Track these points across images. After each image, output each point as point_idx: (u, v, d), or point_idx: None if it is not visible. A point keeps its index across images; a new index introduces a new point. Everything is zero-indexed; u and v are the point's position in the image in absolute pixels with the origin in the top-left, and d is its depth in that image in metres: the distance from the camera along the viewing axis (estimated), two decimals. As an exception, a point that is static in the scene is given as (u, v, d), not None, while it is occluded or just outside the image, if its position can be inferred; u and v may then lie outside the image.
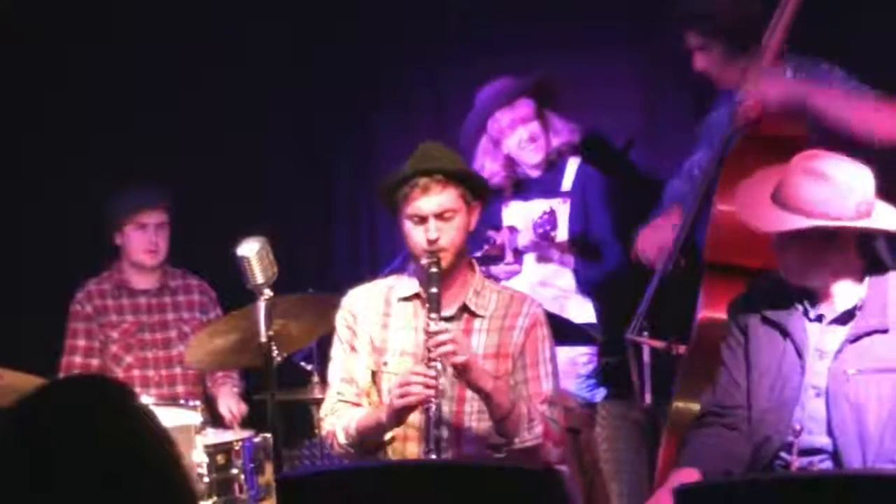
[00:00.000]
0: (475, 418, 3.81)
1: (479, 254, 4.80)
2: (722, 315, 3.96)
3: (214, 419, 5.03)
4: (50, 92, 5.62)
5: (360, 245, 5.89)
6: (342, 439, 3.86)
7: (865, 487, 2.72)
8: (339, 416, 3.89)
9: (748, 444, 3.63)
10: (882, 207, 3.60)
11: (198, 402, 4.74)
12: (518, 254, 4.93)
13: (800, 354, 3.60)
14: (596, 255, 4.97)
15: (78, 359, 5.25)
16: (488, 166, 4.99)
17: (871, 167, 3.59)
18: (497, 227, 5.00)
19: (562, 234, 4.94)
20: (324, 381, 4.19)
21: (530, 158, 4.97)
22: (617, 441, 4.96)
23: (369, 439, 3.82)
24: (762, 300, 3.72)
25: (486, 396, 3.73)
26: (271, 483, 4.41)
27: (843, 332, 3.59)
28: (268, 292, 3.84)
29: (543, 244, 4.87)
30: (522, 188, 5.07)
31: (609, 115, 5.35)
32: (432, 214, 3.76)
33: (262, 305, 3.84)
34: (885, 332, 3.55)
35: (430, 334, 3.69)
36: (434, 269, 3.75)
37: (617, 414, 4.97)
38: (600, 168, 5.09)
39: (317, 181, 5.94)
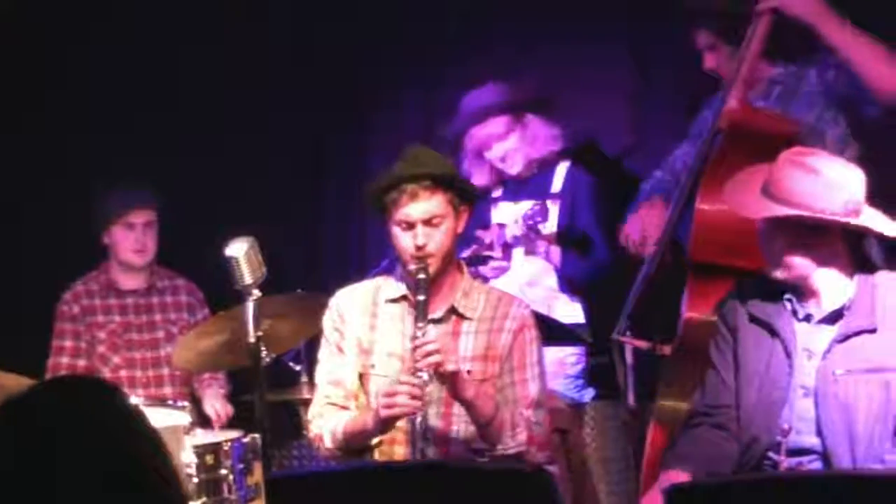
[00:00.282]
0: (463, 422, 3.81)
1: (467, 253, 4.80)
2: (706, 315, 3.97)
3: (201, 420, 5.02)
4: (50, 92, 5.61)
5: (348, 245, 5.89)
6: (329, 443, 3.86)
7: (854, 487, 2.72)
8: (327, 419, 3.89)
9: (737, 443, 3.64)
10: (872, 212, 3.61)
11: (186, 403, 4.73)
12: (507, 248, 4.93)
13: (788, 354, 3.61)
14: (582, 255, 4.97)
15: (65, 360, 5.23)
16: (476, 173, 5.01)
17: (867, 170, 3.61)
18: (486, 226, 5.00)
19: (550, 231, 4.94)
20: (312, 382, 4.18)
21: (509, 170, 5.00)
22: (605, 441, 4.97)
23: (356, 444, 3.83)
24: (750, 300, 3.72)
25: (468, 405, 3.73)
26: (260, 483, 4.39)
27: (831, 331, 3.59)
28: (256, 293, 3.83)
29: (531, 235, 4.87)
30: (512, 189, 5.07)
31: (601, 117, 5.35)
32: (420, 220, 3.75)
33: (250, 306, 3.83)
34: (873, 331, 3.56)
35: (416, 345, 3.68)
36: (422, 276, 3.75)
37: (605, 414, 4.98)
38: (590, 171, 5.09)
39: (305, 181, 5.93)
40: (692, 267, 4.23)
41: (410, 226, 3.76)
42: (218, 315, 4.57)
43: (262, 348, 3.90)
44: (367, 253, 5.61)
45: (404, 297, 3.89)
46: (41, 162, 5.59)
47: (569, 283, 4.96)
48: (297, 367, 4.91)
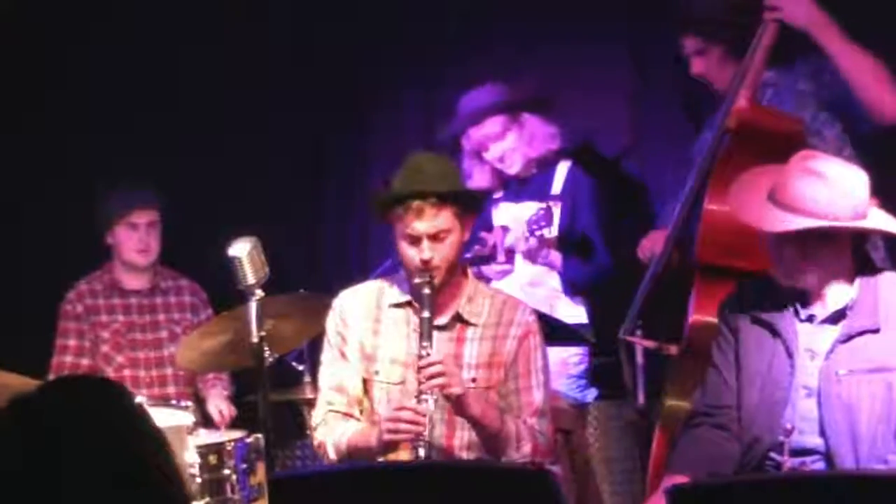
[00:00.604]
0: (467, 430, 3.79)
1: (469, 255, 4.79)
2: (713, 317, 3.96)
3: (205, 420, 5.02)
4: (50, 92, 5.61)
5: (350, 245, 5.89)
6: (333, 454, 3.84)
7: (857, 488, 2.72)
8: (331, 428, 3.87)
9: (738, 444, 3.63)
10: (875, 211, 3.61)
11: (189, 403, 4.74)
12: (510, 253, 4.93)
13: (790, 354, 3.60)
14: (583, 258, 4.97)
15: (68, 359, 5.24)
16: (476, 172, 5.01)
17: (868, 171, 3.61)
18: (488, 227, 5.00)
19: (553, 234, 4.94)
20: (315, 382, 4.18)
21: (508, 170, 5.00)
22: (608, 441, 4.97)
23: (359, 459, 3.79)
24: (753, 301, 3.72)
25: (474, 422, 3.72)
26: (263, 483, 4.40)
27: (833, 332, 3.59)
28: (259, 293, 3.83)
29: (533, 244, 4.87)
30: (513, 190, 5.07)
31: (601, 117, 5.35)
32: (426, 235, 3.73)
33: (253, 306, 3.83)
34: (876, 331, 3.56)
35: (421, 367, 3.66)
36: (427, 291, 3.72)
37: (608, 414, 4.98)
38: (590, 172, 5.09)
39: (306, 181, 5.93)
40: (699, 268, 4.22)
41: (416, 240, 3.74)
42: (221, 315, 4.58)
43: (265, 348, 3.91)
44: (369, 253, 5.62)
45: (409, 304, 3.87)
46: (41, 162, 5.59)
47: (571, 287, 4.96)
48: (300, 367, 4.91)
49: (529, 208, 4.91)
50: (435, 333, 3.75)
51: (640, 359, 4.41)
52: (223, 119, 5.67)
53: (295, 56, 5.80)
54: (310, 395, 4.68)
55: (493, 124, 4.95)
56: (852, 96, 4.19)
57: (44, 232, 5.53)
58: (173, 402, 4.91)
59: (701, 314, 4.16)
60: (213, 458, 4.43)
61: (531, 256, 4.92)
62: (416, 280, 3.75)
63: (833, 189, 3.50)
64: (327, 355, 3.95)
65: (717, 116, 4.37)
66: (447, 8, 5.56)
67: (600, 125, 5.37)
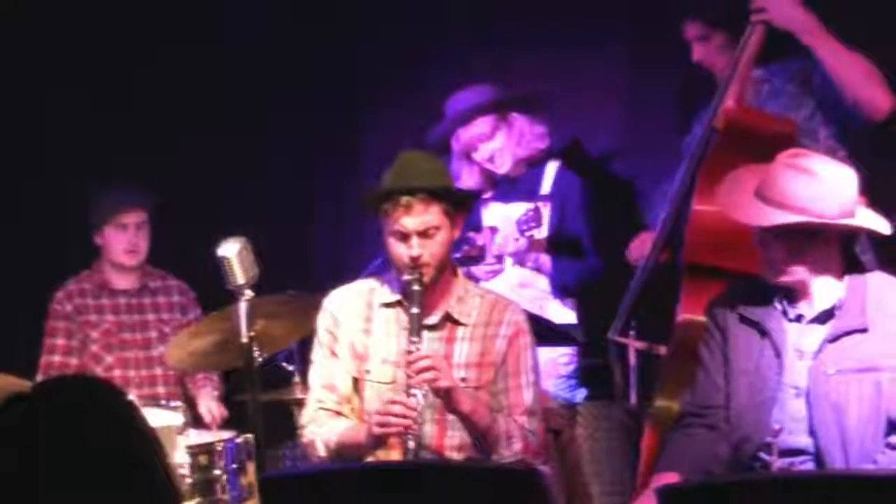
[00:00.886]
0: (458, 429, 3.79)
1: (458, 255, 4.79)
2: (701, 316, 3.97)
3: (194, 421, 5.02)
4: (50, 92, 5.61)
5: (341, 245, 5.88)
6: (322, 452, 3.85)
7: (846, 488, 2.73)
8: (320, 425, 3.87)
9: (728, 444, 3.64)
10: (865, 211, 3.62)
11: (179, 403, 4.74)
12: (499, 254, 4.93)
13: (778, 354, 3.61)
14: (573, 259, 4.97)
15: (57, 358, 5.23)
16: (465, 173, 5.01)
17: (856, 170, 3.62)
18: (477, 227, 5.00)
19: (542, 234, 4.94)
20: (305, 382, 4.18)
21: (498, 170, 5.00)
22: (598, 441, 4.97)
23: (348, 456, 3.80)
24: (740, 300, 3.73)
25: (464, 418, 3.73)
26: (253, 484, 4.40)
27: (822, 331, 3.60)
28: (248, 293, 3.83)
29: (523, 245, 4.87)
30: (502, 190, 5.07)
31: (593, 117, 5.35)
32: (415, 232, 3.73)
33: (242, 306, 3.83)
34: (864, 331, 3.57)
35: (410, 361, 3.67)
36: (416, 288, 3.73)
37: (598, 414, 4.98)
38: (579, 172, 5.09)
39: (299, 181, 5.93)
40: (687, 268, 4.23)
41: (405, 237, 3.74)
42: (211, 315, 4.57)
43: (255, 348, 3.90)
44: (363, 253, 5.61)
45: (399, 303, 3.88)
46: (41, 162, 5.58)
47: (561, 289, 4.96)
48: (290, 368, 4.90)
49: (519, 208, 4.91)
50: (425, 333, 3.76)
51: (631, 359, 4.42)
52: (220, 120, 5.67)
53: (292, 56, 5.79)
54: (300, 396, 4.67)
55: (482, 124, 4.95)
56: (841, 96, 4.20)
57: (43, 232, 5.52)
58: (163, 402, 4.91)
59: (689, 313, 4.17)
60: (203, 459, 4.42)
61: (520, 259, 4.93)
62: (406, 277, 3.75)
63: (822, 186, 3.51)
64: (318, 354, 3.95)
65: (706, 114, 4.38)
66: (447, 8, 5.56)
67: (592, 125, 5.37)
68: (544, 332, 4.36)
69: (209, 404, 5.17)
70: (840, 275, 3.62)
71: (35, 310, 5.30)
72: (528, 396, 3.85)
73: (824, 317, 3.61)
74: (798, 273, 3.58)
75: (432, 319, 3.84)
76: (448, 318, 3.86)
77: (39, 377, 5.05)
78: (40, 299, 5.31)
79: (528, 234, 4.84)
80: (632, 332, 4.42)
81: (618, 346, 4.46)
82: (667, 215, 4.42)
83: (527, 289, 4.94)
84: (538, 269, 4.94)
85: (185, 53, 5.65)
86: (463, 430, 3.78)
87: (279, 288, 4.49)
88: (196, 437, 4.58)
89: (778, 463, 3.50)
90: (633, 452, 4.40)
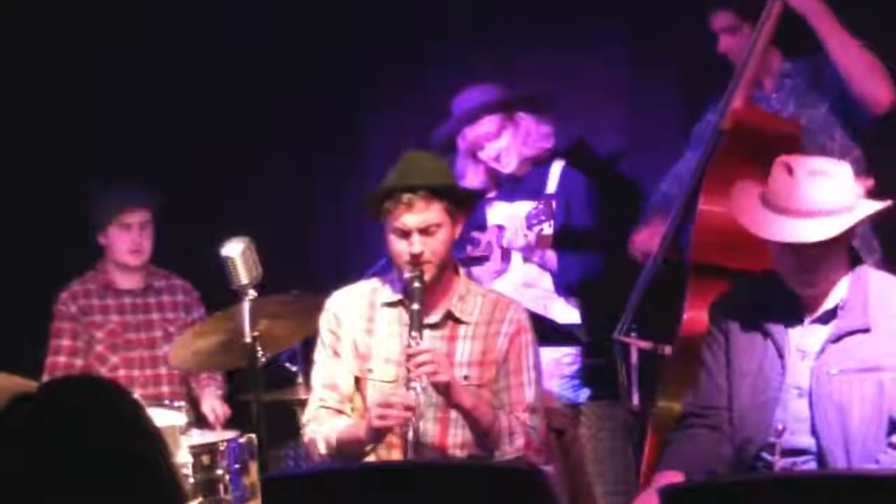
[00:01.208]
0: (460, 427, 3.80)
1: (462, 255, 4.79)
2: (706, 316, 3.97)
3: (198, 420, 5.02)
4: (50, 92, 5.61)
5: (344, 245, 5.89)
6: (323, 449, 3.86)
7: (849, 487, 2.73)
8: (321, 423, 3.88)
9: (730, 444, 3.64)
10: (862, 201, 3.60)
11: (182, 403, 4.75)
12: (506, 252, 4.94)
13: (780, 354, 3.61)
14: (578, 257, 4.97)
15: (62, 359, 5.24)
16: (470, 172, 5.02)
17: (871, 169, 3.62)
18: (481, 227, 5.00)
19: (549, 230, 4.95)
20: (308, 382, 4.19)
21: (504, 169, 5.00)
22: (601, 441, 4.97)
23: (349, 452, 3.82)
24: (743, 300, 3.72)
25: (466, 413, 3.74)
26: (256, 484, 4.40)
27: (824, 331, 3.59)
28: (252, 293, 3.83)
29: (532, 239, 4.87)
30: (507, 189, 5.08)
31: (597, 117, 5.36)
32: (416, 229, 3.74)
33: (246, 306, 3.84)
34: (866, 331, 3.56)
35: (409, 355, 3.68)
36: (417, 285, 3.74)
37: (601, 414, 4.98)
38: (584, 171, 5.10)
39: (299, 181, 5.94)
40: (693, 267, 4.23)
41: (406, 234, 3.76)
42: (214, 315, 4.58)
43: (259, 348, 3.91)
44: (364, 253, 5.61)
45: (401, 302, 3.88)
46: (41, 162, 5.59)
47: (566, 287, 4.96)
48: (294, 368, 4.90)
49: (524, 207, 4.91)
50: (427, 332, 3.77)
51: (634, 359, 4.42)
52: (221, 120, 5.67)
53: (292, 56, 5.79)
54: (303, 396, 4.67)
55: (489, 123, 4.95)
56: (847, 90, 4.21)
57: (43, 232, 5.53)
58: (166, 401, 4.92)
59: (694, 312, 4.17)
60: (206, 459, 4.43)
61: (528, 252, 4.93)
62: (406, 274, 3.76)
63: (836, 182, 3.48)
64: (320, 354, 3.96)
65: (718, 102, 4.38)
66: (447, 8, 5.56)
67: (596, 125, 5.37)
68: (548, 331, 4.36)
69: (213, 404, 5.18)
70: (844, 273, 3.61)
71: (39, 310, 5.31)
72: (529, 394, 3.85)
73: (826, 317, 3.60)
74: (822, 282, 3.54)
75: (434, 318, 3.84)
76: (450, 317, 3.87)
77: (45, 378, 5.06)
78: (42, 300, 5.31)
79: (537, 228, 4.84)
80: (633, 333, 4.42)
81: (622, 345, 4.46)
82: (674, 215, 4.42)
83: (531, 288, 4.94)
84: (543, 266, 4.94)
85: (185, 53, 5.66)
86: (465, 428, 3.79)
87: (282, 288, 4.50)
88: (199, 436, 4.59)
89: (780, 463, 3.49)
90: (636, 452, 4.40)
